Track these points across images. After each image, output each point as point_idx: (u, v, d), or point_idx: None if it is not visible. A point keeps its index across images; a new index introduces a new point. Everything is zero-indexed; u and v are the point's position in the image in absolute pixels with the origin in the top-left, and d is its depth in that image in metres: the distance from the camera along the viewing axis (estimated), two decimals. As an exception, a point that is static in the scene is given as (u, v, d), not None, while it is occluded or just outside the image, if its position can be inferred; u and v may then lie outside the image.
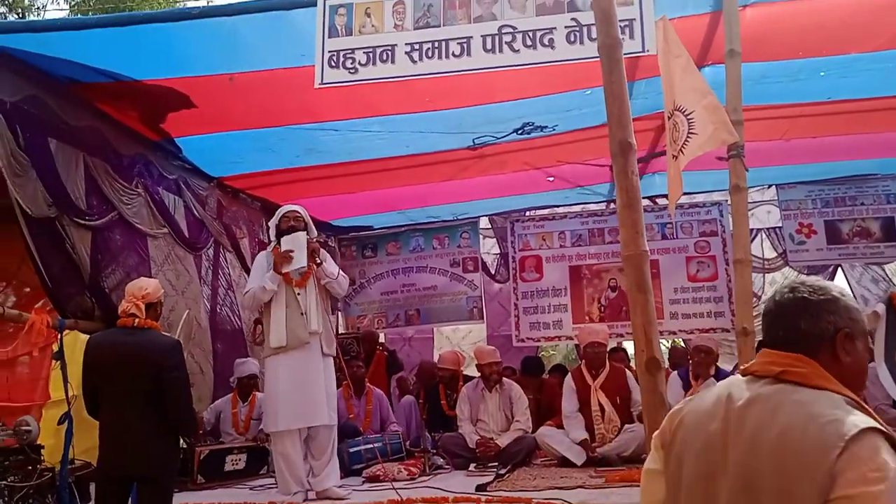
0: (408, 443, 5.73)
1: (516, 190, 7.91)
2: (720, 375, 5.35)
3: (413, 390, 7.07)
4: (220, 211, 6.25)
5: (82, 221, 4.48)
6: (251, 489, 4.73)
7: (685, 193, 8.41)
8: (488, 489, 4.21)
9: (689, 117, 3.21)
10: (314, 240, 4.51)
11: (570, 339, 8.37)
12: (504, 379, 5.82)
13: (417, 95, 5.07)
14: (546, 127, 5.89)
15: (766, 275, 8.27)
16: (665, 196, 8.52)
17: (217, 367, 6.07)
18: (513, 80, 4.97)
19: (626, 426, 5.29)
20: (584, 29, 3.50)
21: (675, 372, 5.68)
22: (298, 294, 4.34)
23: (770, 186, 8.23)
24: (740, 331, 3.07)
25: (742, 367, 1.56)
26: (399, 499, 3.88)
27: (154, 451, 3.44)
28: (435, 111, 5.34)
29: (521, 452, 5.31)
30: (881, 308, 4.16)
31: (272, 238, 4.55)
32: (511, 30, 3.55)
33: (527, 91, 5.19)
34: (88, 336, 4.70)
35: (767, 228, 8.30)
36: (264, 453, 5.42)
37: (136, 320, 3.58)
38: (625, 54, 3.47)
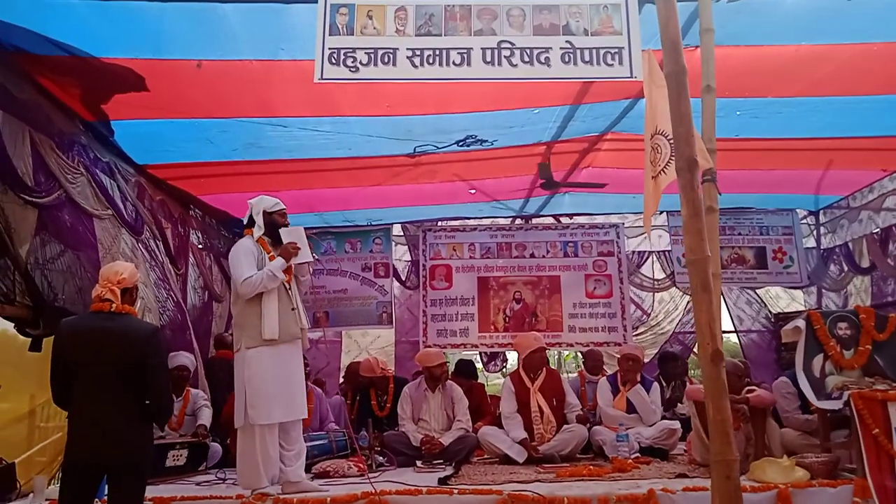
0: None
1: (434, 200, 8.11)
2: (645, 382, 5.81)
3: (341, 391, 7.06)
4: (146, 199, 5.97)
5: (28, 198, 4.18)
6: (197, 485, 4.56)
7: (587, 214, 9.01)
8: (450, 482, 4.34)
9: (671, 142, 3.56)
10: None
11: (475, 346, 8.69)
12: (447, 381, 5.95)
13: (378, 99, 5.17)
14: (486, 141, 6.15)
15: (656, 294, 8.98)
16: (569, 216, 9.06)
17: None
18: (468, 93, 5.20)
19: (565, 426, 5.59)
20: (577, 52, 3.75)
21: (605, 378, 6.09)
22: (289, 289, 4.38)
23: (661, 213, 8.93)
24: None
25: None
26: (374, 490, 3.93)
27: (132, 438, 3.31)
28: (389, 116, 5.44)
29: (463, 450, 5.48)
30: (801, 323, 4.72)
31: (260, 226, 4.49)
32: (510, 45, 3.75)
33: (479, 105, 5.41)
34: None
35: (658, 251, 9.02)
36: (204, 449, 5.26)
37: (113, 305, 3.44)
38: (612, 78, 3.85)
